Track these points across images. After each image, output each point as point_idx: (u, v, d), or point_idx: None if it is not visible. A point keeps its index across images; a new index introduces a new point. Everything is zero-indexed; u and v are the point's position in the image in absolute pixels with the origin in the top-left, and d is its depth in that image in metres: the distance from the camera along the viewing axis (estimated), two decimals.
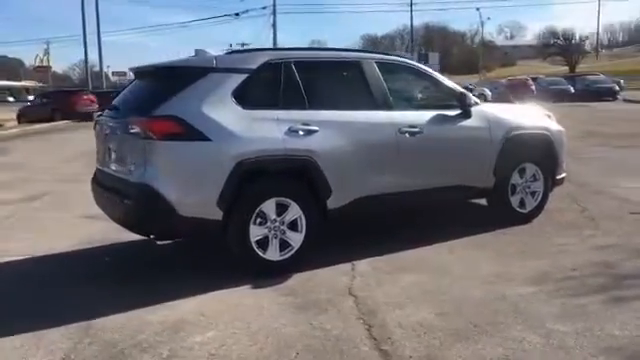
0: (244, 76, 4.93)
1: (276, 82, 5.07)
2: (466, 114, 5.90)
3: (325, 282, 4.77)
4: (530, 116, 6.58)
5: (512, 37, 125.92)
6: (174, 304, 4.38)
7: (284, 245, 4.97)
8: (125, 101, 5.31)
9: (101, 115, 5.57)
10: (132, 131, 4.70)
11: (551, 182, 6.53)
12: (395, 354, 3.52)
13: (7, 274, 5.39)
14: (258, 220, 4.85)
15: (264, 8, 59.90)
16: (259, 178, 4.81)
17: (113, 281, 5.02)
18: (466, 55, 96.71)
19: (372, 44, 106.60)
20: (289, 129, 4.93)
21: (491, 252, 5.43)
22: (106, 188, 5.21)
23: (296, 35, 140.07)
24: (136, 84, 5.48)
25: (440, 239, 5.78)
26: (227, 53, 5.31)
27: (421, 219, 6.54)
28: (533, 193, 6.42)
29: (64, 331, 3.97)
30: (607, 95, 38.65)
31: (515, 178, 6.28)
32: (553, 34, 65.42)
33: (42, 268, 5.47)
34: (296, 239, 5.01)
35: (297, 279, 4.85)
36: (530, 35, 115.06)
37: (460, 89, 6.03)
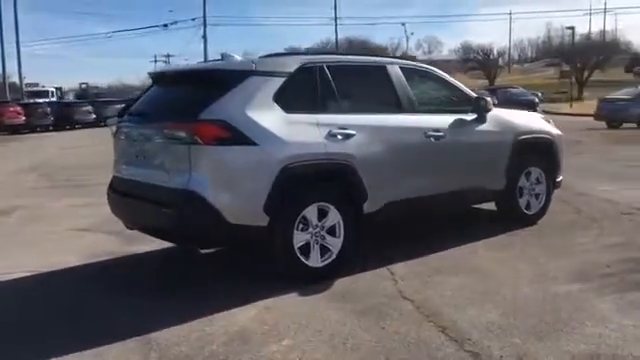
0: (283, 79, 4.83)
1: (312, 86, 5.00)
2: (482, 118, 6.02)
3: (371, 287, 4.71)
4: (534, 120, 6.80)
5: (430, 52, 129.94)
6: (227, 314, 4.21)
7: (324, 251, 4.89)
8: (154, 106, 5.06)
9: (122, 121, 5.27)
10: (174, 136, 4.49)
11: (552, 185, 6.76)
12: (484, 354, 3.50)
13: (33, 291, 5.00)
14: (301, 226, 4.74)
15: (194, 20, 58.85)
16: (302, 183, 4.70)
17: (152, 293, 4.79)
18: None
19: None
20: (329, 133, 4.87)
21: (516, 252, 5.55)
22: (134, 196, 4.94)
23: (225, 47, 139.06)
24: (163, 88, 5.23)
25: (457, 242, 5.83)
26: (262, 57, 5.17)
27: (428, 223, 6.58)
28: (537, 195, 6.62)
29: (125, 347, 3.73)
30: (528, 107, 40.41)
31: (522, 181, 6.45)
32: (472, 49, 68.25)
33: (67, 283, 5.16)
34: (335, 244, 4.93)
35: (341, 285, 4.76)
36: (446, 50, 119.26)
37: (475, 94, 6.16)
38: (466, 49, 69.79)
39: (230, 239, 4.62)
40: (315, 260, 4.83)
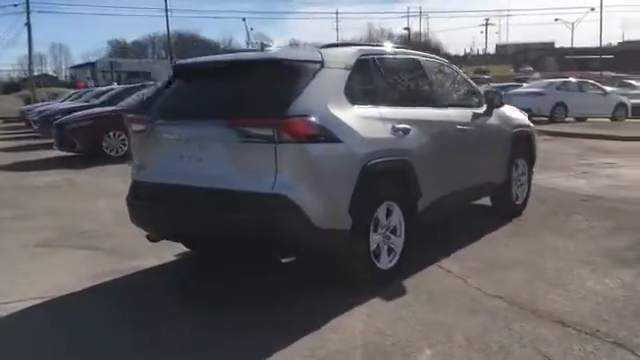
0: (348, 72, 4.54)
1: (370, 78, 4.78)
2: (491, 112, 6.15)
3: (445, 286, 4.59)
4: (518, 113, 7.08)
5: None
6: (332, 327, 3.86)
7: (389, 252, 4.68)
8: (209, 101, 4.43)
9: (155, 120, 4.56)
10: (256, 133, 4.00)
11: (531, 175, 7.12)
12: (627, 343, 3.56)
13: (57, 319, 4.24)
14: (373, 227, 4.49)
15: (16, 5, 53.41)
16: (377, 182, 4.45)
17: (234, 308, 4.29)
18: None
19: (121, 50, 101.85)
20: (392, 128, 4.67)
21: (537, 242, 5.75)
22: (185, 203, 4.32)
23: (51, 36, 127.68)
24: (208, 81, 4.58)
25: (470, 236, 5.87)
26: (322, 47, 4.76)
27: None
28: (521, 185, 6.92)
29: None
30: None
31: (513, 172, 6.70)
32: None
33: (90, 308, 4.42)
34: (398, 244, 4.75)
35: (413, 285, 4.59)
36: (275, 47, 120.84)
37: (481, 89, 6.30)
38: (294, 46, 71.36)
39: (316, 245, 4.21)
40: (385, 262, 4.62)
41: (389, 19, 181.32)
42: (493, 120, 6.20)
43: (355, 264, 4.41)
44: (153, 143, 4.59)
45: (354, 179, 4.24)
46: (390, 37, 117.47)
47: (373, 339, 3.69)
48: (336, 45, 5.17)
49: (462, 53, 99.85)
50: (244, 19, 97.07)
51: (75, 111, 14.43)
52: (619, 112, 21.95)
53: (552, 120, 20.39)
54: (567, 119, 21.31)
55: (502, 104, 6.30)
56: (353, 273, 4.44)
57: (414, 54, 5.58)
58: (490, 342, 3.61)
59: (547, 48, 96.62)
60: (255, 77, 4.32)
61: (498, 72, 62.49)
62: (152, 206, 4.55)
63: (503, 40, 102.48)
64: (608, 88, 24.07)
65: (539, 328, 3.79)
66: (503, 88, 22.14)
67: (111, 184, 10.06)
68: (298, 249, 4.21)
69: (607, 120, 21.28)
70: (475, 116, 5.93)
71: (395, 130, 4.68)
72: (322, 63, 4.38)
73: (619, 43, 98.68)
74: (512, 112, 6.76)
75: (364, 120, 4.44)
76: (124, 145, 12.94)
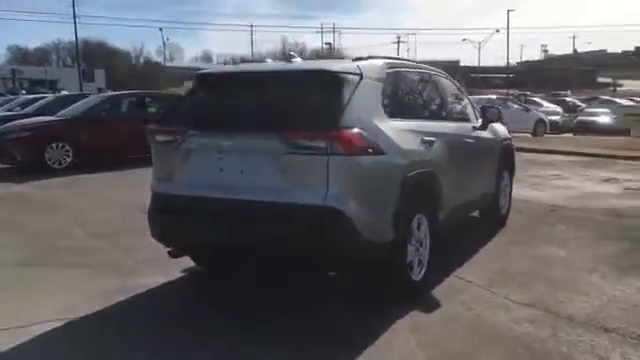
0: (381, 84, 4.53)
1: (397, 91, 4.79)
2: (486, 126, 6.32)
3: (470, 296, 4.65)
4: (502, 127, 7.30)
5: (172, 59, 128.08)
6: (374, 345, 3.80)
7: (418, 263, 4.69)
8: (243, 111, 4.27)
9: (187, 131, 4.34)
10: (308, 146, 3.90)
11: (511, 186, 7.37)
12: None
13: (91, 339, 3.95)
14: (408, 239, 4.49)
15: None
16: (414, 194, 4.45)
17: (291, 328, 4.13)
18: (130, 73, 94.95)
19: (22, 56, 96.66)
20: (421, 140, 4.71)
21: (537, 250, 5.97)
22: (223, 216, 4.15)
23: None
24: (242, 91, 4.42)
25: (467, 247, 6.01)
26: (353, 60, 4.69)
27: None
28: (505, 196, 7.14)
29: None
30: None
31: (501, 183, 6.91)
32: (232, 60, 69.99)
33: (123, 329, 4.12)
34: (424, 255, 4.76)
35: (437, 296, 4.63)
36: (187, 57, 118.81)
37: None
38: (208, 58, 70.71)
39: (362, 258, 4.14)
40: (416, 273, 4.62)
41: (303, 33, 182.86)
42: (487, 133, 6.38)
43: (395, 276, 4.39)
44: (185, 155, 4.36)
45: (397, 191, 4.23)
46: (304, 51, 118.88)
47: (433, 352, 3.68)
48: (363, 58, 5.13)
49: None
50: (161, 29, 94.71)
51: (9, 120, 13.49)
52: (539, 128, 23.26)
53: (535, 135, 21.36)
54: None
55: (499, 119, 6.49)
56: (392, 285, 4.41)
57: (426, 68, 5.66)
58: (551, 351, 3.68)
59: (453, 66, 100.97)
60: (300, 88, 4.23)
61: None
62: (184, 220, 4.32)
63: (412, 57, 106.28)
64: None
65: (586, 335, 3.91)
66: None
67: (64, 196, 9.55)
68: (345, 262, 4.15)
69: (529, 135, 22.44)
70: (475, 129, 6.09)
71: (423, 142, 4.72)
72: (361, 75, 4.34)
73: (517, 63, 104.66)
74: (498, 126, 6.99)
75: (400, 132, 4.45)
76: (67, 157, 12.26)
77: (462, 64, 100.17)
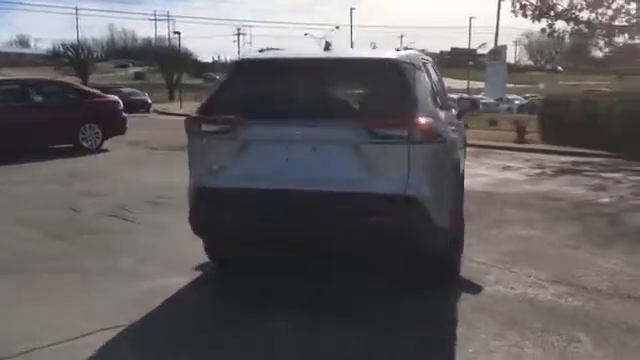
0: (425, 74, 4.66)
1: (431, 81, 4.92)
2: (461, 116, 6.67)
3: (500, 277, 4.92)
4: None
5: None
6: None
7: None
8: (309, 100, 4.14)
9: (244, 121, 4.10)
10: (389, 134, 3.91)
11: None
12: None
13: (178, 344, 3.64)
14: None
15: None
16: (459, 180, 4.66)
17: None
18: None
19: None
20: (452, 129, 4.92)
21: (510, 232, 6.43)
22: (291, 207, 4.02)
23: None
24: (307, 79, 4.27)
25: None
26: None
27: None
28: None
29: None
30: (142, 107, 40.62)
31: None
32: (63, 45, 64.58)
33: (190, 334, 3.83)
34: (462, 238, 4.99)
35: (467, 278, 4.85)
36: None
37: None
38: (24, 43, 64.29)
39: (432, 245, 4.24)
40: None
41: (131, 19, 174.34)
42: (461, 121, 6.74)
43: (447, 261, 4.55)
44: (242, 145, 4.15)
45: (453, 178, 4.40)
46: (134, 40, 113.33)
47: (520, 330, 3.90)
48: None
49: (210, 60, 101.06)
50: None
51: None
52: None
53: None
54: None
55: (472, 109, 6.85)
56: (444, 270, 4.57)
57: (426, 57, 5.83)
58: (611, 320, 4.06)
59: None
60: (367, 77, 4.22)
61: None
62: (245, 215, 4.11)
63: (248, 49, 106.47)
64: None
65: (624, 303, 4.37)
66: None
67: None
68: (419, 250, 4.23)
69: None
70: (457, 118, 6.40)
71: (453, 130, 4.93)
72: (413, 65, 4.43)
73: None
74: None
75: (445, 120, 4.61)
76: None
77: None
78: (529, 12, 15.78)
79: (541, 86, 55.45)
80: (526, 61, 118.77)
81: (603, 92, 28.20)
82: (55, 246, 5.74)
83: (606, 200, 8.50)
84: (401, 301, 4.39)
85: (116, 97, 15.08)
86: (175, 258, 5.35)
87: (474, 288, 4.63)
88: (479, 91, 51.73)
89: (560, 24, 16.30)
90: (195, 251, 5.25)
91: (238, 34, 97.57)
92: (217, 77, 78.83)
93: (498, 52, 46.13)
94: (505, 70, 45.47)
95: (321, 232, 4.05)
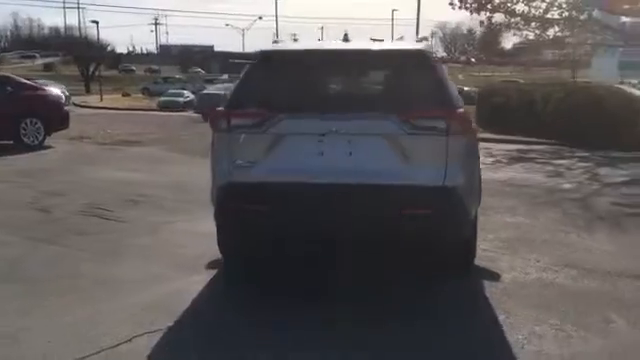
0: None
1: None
2: None
3: (505, 263, 5.04)
4: None
5: None
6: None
7: None
8: (343, 92, 4.10)
9: (276, 114, 4.01)
10: (428, 126, 3.94)
11: None
12: None
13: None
14: None
15: None
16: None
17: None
18: None
19: None
20: None
21: (496, 219, 6.63)
22: (329, 201, 3.97)
23: None
24: (339, 71, 4.21)
25: None
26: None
27: None
28: None
29: None
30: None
31: None
32: None
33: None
34: None
35: (484, 265, 4.95)
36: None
37: None
38: None
39: (466, 236, 4.30)
40: None
41: (37, 7, 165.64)
42: None
43: (470, 250, 4.64)
44: (274, 139, 4.06)
45: (479, 168, 4.49)
46: (41, 28, 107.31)
47: (558, 314, 4.04)
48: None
49: (125, 51, 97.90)
50: None
51: None
52: None
53: None
54: None
55: None
56: (471, 256, 4.65)
57: None
58: (633, 299, 4.29)
59: (208, 51, 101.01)
60: (398, 68, 4.21)
61: (168, 72, 64.25)
62: (279, 208, 4.02)
63: (164, 41, 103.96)
64: None
65: (636, 283, 4.62)
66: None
67: None
68: (451, 238, 4.28)
69: None
70: None
71: None
72: (437, 57, 4.48)
73: None
74: None
75: None
76: None
77: (218, 49, 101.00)
78: (468, 4, 16.21)
79: (460, 77, 57.40)
80: (441, 53, 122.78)
81: (519, 82, 29.63)
82: (48, 250, 5.39)
83: (568, 186, 8.92)
84: (430, 289, 4.47)
85: (58, 90, 14.32)
86: (182, 257, 5.18)
87: (493, 275, 4.74)
88: None
89: (498, 17, 16.88)
90: (197, 249, 5.26)
91: (155, 24, 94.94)
92: (134, 68, 76.77)
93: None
94: None
95: (360, 225, 4.02)
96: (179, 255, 5.25)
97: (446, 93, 4.08)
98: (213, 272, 4.82)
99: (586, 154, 12.55)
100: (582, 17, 16.25)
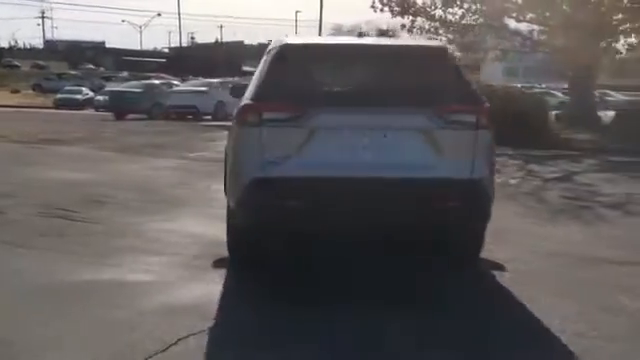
0: None
1: None
2: None
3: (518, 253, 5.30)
4: None
5: None
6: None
7: None
8: (376, 87, 4.10)
9: (309, 108, 3.97)
10: (460, 120, 4.08)
11: None
12: None
13: None
14: None
15: None
16: None
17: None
18: None
19: None
20: None
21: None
22: (364, 195, 4.00)
23: None
24: (368, 66, 4.20)
25: None
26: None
27: None
28: None
29: None
30: None
31: None
32: None
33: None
34: None
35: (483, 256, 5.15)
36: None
37: None
38: None
39: (486, 223, 4.45)
40: None
41: None
42: None
43: (482, 240, 4.79)
44: (308, 133, 4.02)
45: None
46: None
47: (578, 300, 4.30)
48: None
49: (7, 45, 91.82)
50: None
51: None
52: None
53: (215, 118, 21.44)
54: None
55: None
56: (479, 250, 4.82)
57: None
58: (628, 285, 4.61)
59: (100, 47, 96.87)
60: (428, 65, 4.30)
61: (56, 68, 61.01)
62: (315, 203, 4.00)
63: (49, 36, 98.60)
64: None
65: (601, 268, 4.98)
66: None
67: None
68: (476, 230, 4.42)
69: None
70: None
71: None
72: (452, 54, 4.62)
73: (169, 48, 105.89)
74: None
75: None
76: None
77: (109, 46, 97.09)
78: (393, 8, 16.69)
79: None
80: None
81: None
82: (26, 256, 4.95)
83: (514, 182, 9.40)
84: (448, 279, 4.58)
85: None
86: (181, 257, 4.99)
87: (496, 265, 4.93)
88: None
89: (420, 21, 17.46)
90: (192, 249, 5.22)
91: (42, 17, 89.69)
92: (18, 64, 71.82)
93: None
94: None
95: (393, 218, 4.08)
96: (177, 255, 5.06)
97: (472, 88, 4.23)
98: (222, 272, 4.66)
99: (511, 152, 13.25)
100: (496, 24, 17.22)
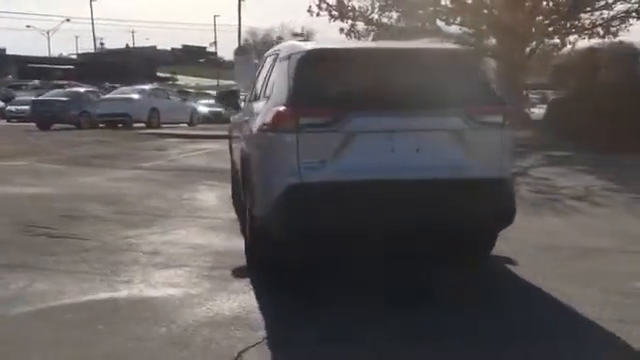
0: None
1: None
2: None
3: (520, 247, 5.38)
4: None
5: None
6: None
7: None
8: (408, 90, 4.10)
9: (347, 112, 3.96)
10: (489, 121, 4.18)
11: None
12: None
13: None
14: None
15: None
16: None
17: None
18: None
19: None
20: None
21: None
22: (403, 197, 4.04)
23: None
24: (398, 69, 4.19)
25: None
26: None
27: None
28: None
29: None
30: None
31: None
32: None
33: None
34: None
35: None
36: None
37: None
38: None
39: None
40: None
41: None
42: None
43: (495, 238, 4.92)
44: (345, 137, 4.00)
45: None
46: None
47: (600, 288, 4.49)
48: None
49: None
50: None
51: None
52: (194, 118, 24.07)
53: (149, 126, 20.85)
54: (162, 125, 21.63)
55: None
56: (492, 245, 4.94)
57: None
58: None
59: (2, 55, 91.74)
60: (455, 67, 4.38)
61: None
62: (354, 207, 3.99)
63: None
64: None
65: (602, 257, 5.22)
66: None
67: None
68: (501, 228, 4.53)
69: (186, 125, 23.03)
70: None
71: None
72: None
73: (77, 54, 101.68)
74: None
75: None
76: None
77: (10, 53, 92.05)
78: (331, 12, 16.81)
79: None
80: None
81: None
82: (31, 277, 4.65)
83: None
84: (466, 274, 4.66)
85: None
86: (198, 269, 4.85)
87: (506, 259, 5.07)
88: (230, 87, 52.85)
89: (360, 25, 17.66)
90: (200, 260, 5.11)
91: None
92: None
93: (244, 49, 47.72)
94: (254, 66, 47.08)
95: (428, 219, 4.13)
96: (189, 267, 4.91)
97: (496, 89, 4.35)
98: (246, 281, 4.52)
99: None
100: (429, 27, 17.66)
